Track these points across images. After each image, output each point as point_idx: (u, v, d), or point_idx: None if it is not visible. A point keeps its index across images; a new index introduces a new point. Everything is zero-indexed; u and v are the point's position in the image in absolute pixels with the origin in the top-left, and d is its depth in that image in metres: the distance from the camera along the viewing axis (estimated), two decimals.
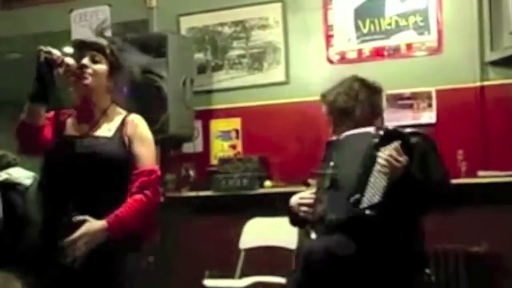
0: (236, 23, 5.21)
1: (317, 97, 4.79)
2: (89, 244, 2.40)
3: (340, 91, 3.03)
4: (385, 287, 2.60)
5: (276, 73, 5.09)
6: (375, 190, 2.60)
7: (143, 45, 4.51)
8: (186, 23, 5.33)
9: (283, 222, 4.29)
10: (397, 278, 2.62)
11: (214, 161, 5.10)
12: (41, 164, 2.62)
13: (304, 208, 2.83)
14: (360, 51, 4.87)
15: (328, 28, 4.96)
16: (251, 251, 4.45)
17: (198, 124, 5.10)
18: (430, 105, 4.64)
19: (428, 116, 4.63)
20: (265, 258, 4.39)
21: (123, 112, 2.69)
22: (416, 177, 2.63)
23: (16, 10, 5.89)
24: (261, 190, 4.85)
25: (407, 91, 4.67)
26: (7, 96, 8.45)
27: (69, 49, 2.67)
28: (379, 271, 2.58)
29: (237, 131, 5.17)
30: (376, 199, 2.58)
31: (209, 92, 5.24)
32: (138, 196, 2.50)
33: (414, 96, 4.67)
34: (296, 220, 2.92)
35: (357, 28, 4.87)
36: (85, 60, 2.57)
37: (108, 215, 2.46)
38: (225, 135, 5.19)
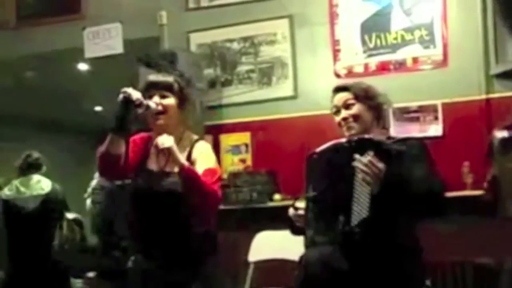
0: (244, 39, 5.29)
1: (325, 111, 4.88)
2: (171, 145, 2.70)
3: (366, 85, 2.97)
4: None
5: (284, 88, 5.16)
6: (360, 205, 2.59)
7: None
8: (196, 40, 5.42)
9: (292, 235, 4.36)
10: None
11: (224, 175, 5.15)
12: (129, 192, 2.94)
13: (299, 218, 2.87)
14: (366, 65, 4.93)
15: (335, 42, 5.03)
16: (260, 264, 4.49)
17: (209, 138, 5.16)
18: (436, 118, 4.68)
19: (435, 129, 4.67)
20: (274, 271, 4.43)
21: (194, 138, 2.95)
22: (397, 186, 2.56)
23: (30, 29, 6.01)
24: (270, 204, 4.91)
25: (413, 104, 4.72)
26: (21, 112, 8.62)
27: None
28: (376, 283, 2.61)
29: (246, 145, 5.23)
30: (364, 214, 2.58)
31: (219, 107, 5.32)
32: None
33: (420, 110, 4.71)
34: (295, 229, 2.95)
35: (364, 42, 4.94)
36: (155, 99, 2.83)
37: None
38: (235, 149, 5.25)
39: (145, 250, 2.86)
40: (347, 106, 2.90)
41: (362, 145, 2.65)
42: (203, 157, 2.84)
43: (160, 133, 2.86)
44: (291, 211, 2.93)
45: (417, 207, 2.63)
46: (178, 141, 2.87)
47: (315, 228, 2.79)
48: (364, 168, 2.56)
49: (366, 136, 2.74)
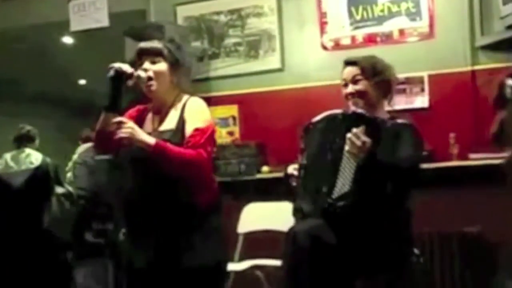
0: (231, 12, 5.28)
1: (312, 83, 4.96)
2: (129, 133, 2.67)
3: (375, 59, 3.04)
4: (372, 269, 2.67)
5: (271, 60, 5.17)
6: (344, 179, 2.66)
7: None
8: (183, 12, 5.41)
9: (280, 206, 4.41)
10: (384, 259, 2.69)
11: None
12: (127, 160, 2.92)
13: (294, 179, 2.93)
14: (353, 38, 4.95)
15: (322, 15, 5.03)
16: (249, 235, 4.54)
17: None
18: (422, 90, 4.72)
19: (421, 101, 4.72)
20: (263, 242, 4.48)
21: (185, 97, 2.94)
22: (380, 161, 2.63)
23: (14, 2, 5.96)
24: (259, 176, 4.95)
25: (400, 76, 4.71)
26: (12, 85, 8.57)
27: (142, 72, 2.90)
28: (364, 254, 2.66)
29: (234, 117, 5.26)
30: (346, 188, 2.65)
31: (207, 79, 5.32)
32: (191, 151, 2.74)
33: (407, 81, 4.73)
34: (290, 190, 2.99)
35: (350, 15, 4.95)
36: (146, 65, 2.86)
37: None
38: (223, 122, 5.27)
39: (138, 220, 2.86)
40: (354, 81, 2.95)
41: (354, 119, 2.71)
42: (192, 116, 2.84)
43: (155, 99, 2.91)
44: (284, 176, 2.97)
45: (392, 181, 2.71)
46: (172, 104, 2.90)
47: (302, 197, 2.85)
48: (348, 141, 2.63)
49: (359, 111, 2.80)
